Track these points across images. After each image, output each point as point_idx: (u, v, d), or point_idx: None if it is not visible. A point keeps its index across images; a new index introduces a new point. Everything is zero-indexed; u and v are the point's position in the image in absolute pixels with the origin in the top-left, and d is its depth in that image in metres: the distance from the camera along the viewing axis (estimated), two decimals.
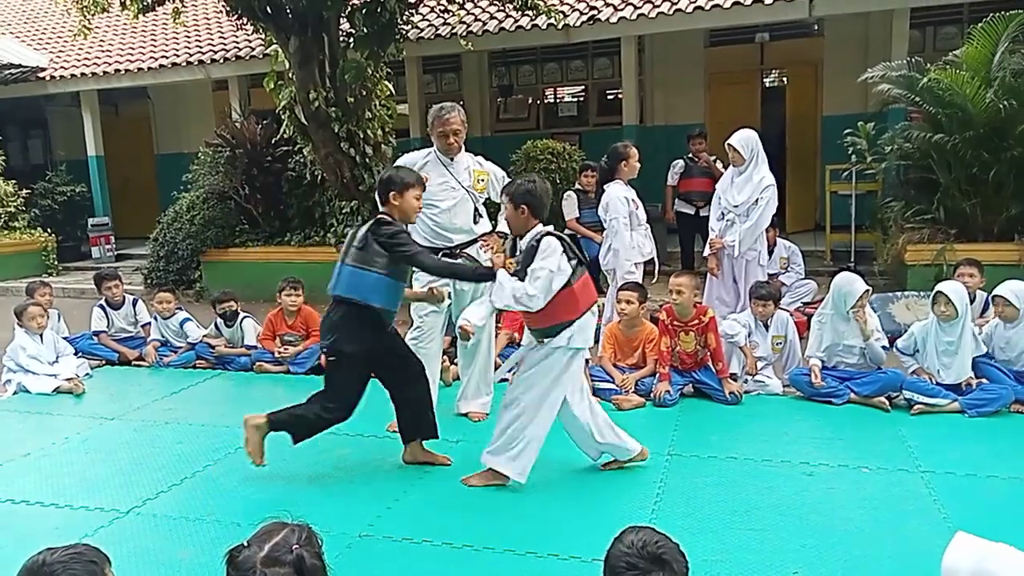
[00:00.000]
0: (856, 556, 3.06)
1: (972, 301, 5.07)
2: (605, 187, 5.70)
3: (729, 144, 5.75)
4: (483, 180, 4.62)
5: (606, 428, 3.84)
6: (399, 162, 4.60)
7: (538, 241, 3.61)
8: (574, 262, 3.61)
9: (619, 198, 5.56)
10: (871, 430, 4.41)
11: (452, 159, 4.52)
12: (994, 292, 4.77)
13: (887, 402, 4.70)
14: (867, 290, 4.84)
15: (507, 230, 4.69)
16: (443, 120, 4.44)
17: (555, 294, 3.53)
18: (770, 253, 6.80)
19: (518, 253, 3.77)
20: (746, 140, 5.70)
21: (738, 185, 5.73)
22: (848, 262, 7.90)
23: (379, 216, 3.85)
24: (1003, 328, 4.76)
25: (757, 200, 5.66)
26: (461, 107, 4.61)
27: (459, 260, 4.45)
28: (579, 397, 3.81)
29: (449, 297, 4.61)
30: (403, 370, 4.04)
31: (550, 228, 3.74)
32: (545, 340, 3.67)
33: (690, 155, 8.19)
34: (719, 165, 8.09)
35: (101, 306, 6.72)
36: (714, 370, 4.99)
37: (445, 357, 5.00)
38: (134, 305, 6.81)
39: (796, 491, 3.65)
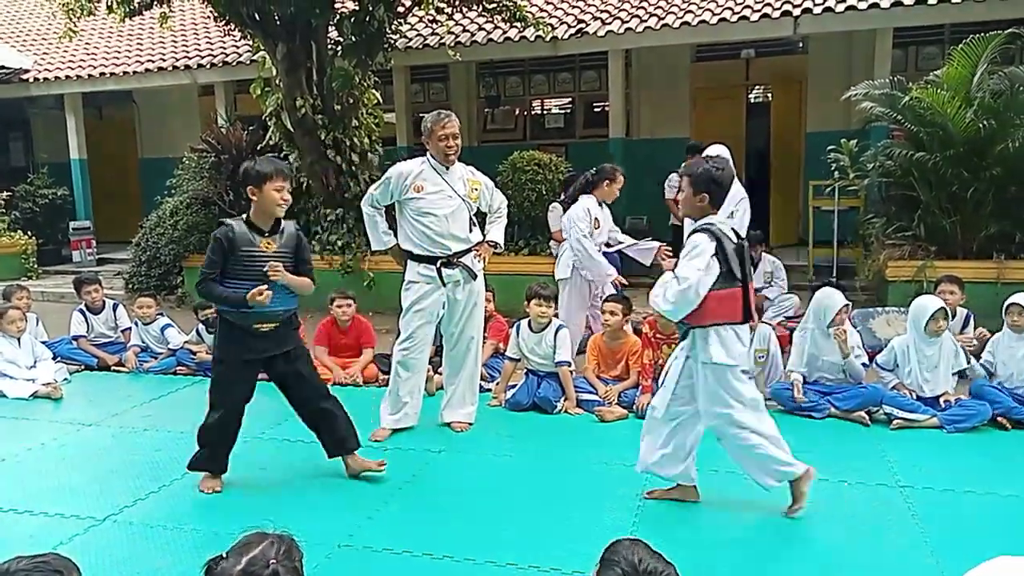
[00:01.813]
0: (835, 569, 3.08)
1: (953, 317, 5.13)
2: (580, 198, 5.79)
3: (704, 157, 5.79)
4: (476, 189, 4.61)
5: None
6: (392, 172, 4.56)
7: (693, 233, 3.29)
8: (724, 269, 3.25)
9: (584, 208, 5.70)
10: (851, 444, 4.44)
11: (448, 168, 4.50)
12: (1009, 300, 4.82)
13: (867, 417, 4.74)
14: (846, 305, 4.88)
15: (498, 239, 4.72)
16: (442, 124, 4.40)
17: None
18: (754, 267, 6.84)
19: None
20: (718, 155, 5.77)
21: None
22: (830, 277, 7.96)
23: (221, 220, 3.86)
24: (1009, 339, 4.80)
25: (732, 213, 5.71)
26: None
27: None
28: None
29: (443, 307, 4.61)
30: (299, 389, 3.95)
31: (713, 220, 3.36)
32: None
33: None
34: None
35: (81, 310, 6.65)
36: None
37: (429, 367, 4.98)
38: (114, 310, 6.75)
39: (776, 505, 3.65)
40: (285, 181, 3.70)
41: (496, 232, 4.73)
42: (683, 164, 6.61)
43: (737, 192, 5.72)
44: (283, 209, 3.73)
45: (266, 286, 3.63)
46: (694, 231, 3.36)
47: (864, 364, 4.93)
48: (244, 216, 3.77)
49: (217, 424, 3.87)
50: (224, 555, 1.73)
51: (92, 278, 6.85)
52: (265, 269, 3.66)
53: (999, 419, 4.59)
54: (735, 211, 5.67)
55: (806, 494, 3.49)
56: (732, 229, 3.40)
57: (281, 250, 3.77)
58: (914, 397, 4.72)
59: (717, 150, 5.79)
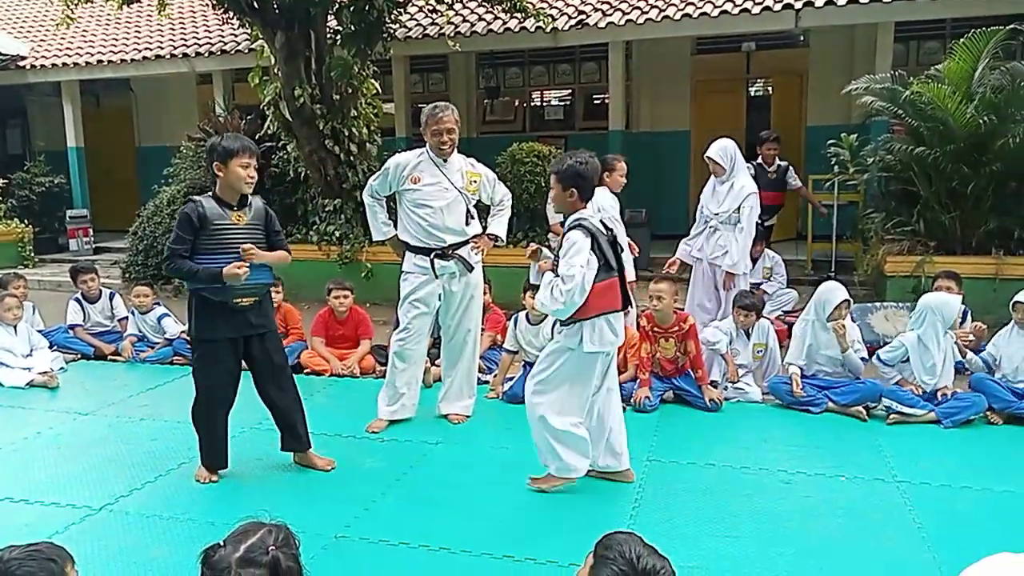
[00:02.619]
0: (831, 564, 3.08)
1: None
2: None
3: (708, 156, 5.75)
4: (475, 182, 4.58)
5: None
6: (390, 162, 4.55)
7: (568, 230, 3.38)
8: (601, 262, 3.37)
9: (611, 201, 5.59)
10: (848, 439, 4.44)
11: (445, 160, 4.48)
12: (1015, 298, 4.81)
13: (864, 411, 4.74)
14: (846, 300, 4.88)
15: (499, 232, 4.69)
16: (437, 119, 4.38)
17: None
18: (754, 262, 6.84)
19: (561, 237, 3.56)
20: (724, 150, 5.71)
21: (719, 195, 5.76)
22: (829, 272, 7.96)
23: (188, 197, 3.84)
24: (1015, 335, 4.78)
25: (739, 208, 5.68)
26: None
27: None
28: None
29: (440, 299, 4.60)
30: (269, 378, 3.93)
31: (586, 215, 3.49)
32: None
33: (758, 161, 7.47)
34: (792, 174, 7.81)
35: (77, 299, 6.63)
36: (694, 377, 5.00)
37: (427, 359, 4.97)
38: (111, 299, 6.73)
39: (773, 499, 3.67)
40: (252, 158, 3.72)
41: (497, 226, 4.70)
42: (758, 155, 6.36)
43: (745, 187, 5.69)
44: (250, 186, 3.75)
45: (243, 262, 3.64)
46: (568, 228, 3.45)
47: (863, 359, 4.93)
48: (210, 192, 3.78)
49: (204, 408, 3.86)
50: (221, 543, 1.73)
51: (88, 267, 6.83)
52: (239, 251, 3.67)
53: (990, 414, 4.60)
54: (742, 207, 5.65)
55: (546, 491, 3.68)
56: (601, 221, 3.54)
57: (252, 222, 3.80)
58: (920, 393, 4.69)
59: (722, 144, 5.76)
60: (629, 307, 3.61)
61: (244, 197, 3.79)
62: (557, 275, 3.39)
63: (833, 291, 4.90)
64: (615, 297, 3.50)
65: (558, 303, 3.35)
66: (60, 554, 1.75)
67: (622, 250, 3.73)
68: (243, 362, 3.92)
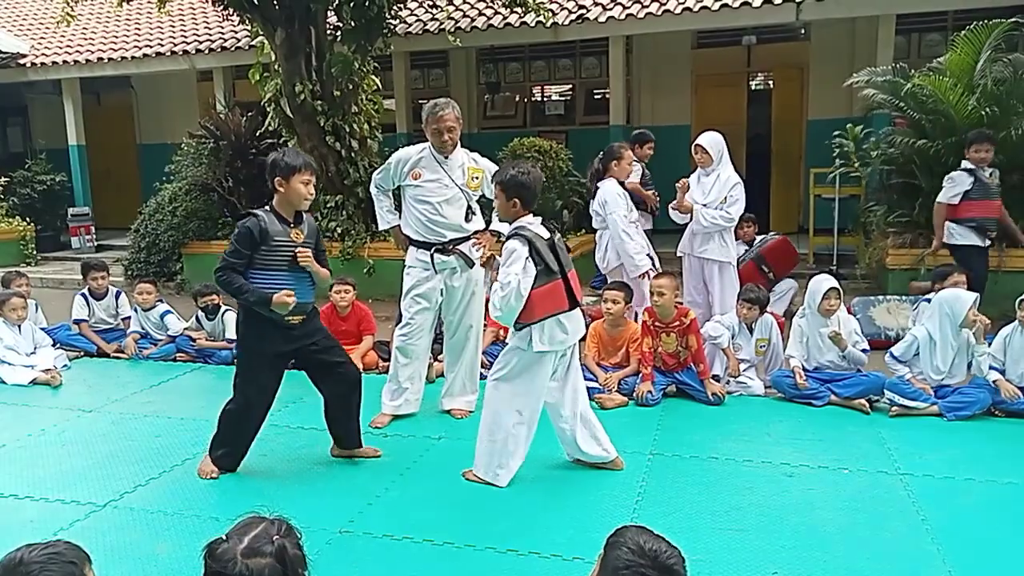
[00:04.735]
0: (835, 557, 3.08)
1: None
2: (599, 185, 5.71)
3: (698, 145, 5.74)
4: (477, 177, 4.57)
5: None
6: (393, 157, 4.57)
7: (507, 239, 3.56)
8: (540, 267, 3.52)
9: (616, 193, 5.58)
10: (851, 432, 4.44)
11: (447, 156, 4.48)
12: (1022, 298, 4.73)
13: (867, 404, 4.74)
14: (833, 288, 4.87)
15: (501, 228, 4.69)
16: (437, 117, 4.38)
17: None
18: (750, 247, 6.84)
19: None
20: (714, 141, 5.72)
21: (704, 185, 5.75)
22: (830, 265, 7.95)
23: (243, 212, 3.77)
24: (1019, 336, 4.70)
25: (726, 198, 5.68)
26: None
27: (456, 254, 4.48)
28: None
29: (442, 294, 4.60)
30: (327, 374, 3.90)
31: (525, 222, 3.63)
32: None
33: (969, 166, 6.06)
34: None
35: (83, 295, 6.64)
36: (696, 371, 5.00)
37: (430, 354, 4.98)
38: (116, 297, 6.74)
39: (776, 492, 3.67)
40: (312, 175, 3.74)
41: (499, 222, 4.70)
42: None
43: (731, 177, 5.70)
44: (308, 203, 3.77)
45: (291, 290, 3.64)
46: (507, 236, 3.61)
47: (864, 350, 4.92)
48: (267, 207, 3.74)
49: (237, 411, 3.84)
50: (224, 537, 1.73)
51: (101, 264, 6.83)
52: (292, 255, 3.67)
53: (994, 411, 4.59)
54: (729, 196, 5.65)
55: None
56: (543, 226, 3.65)
57: (307, 240, 3.80)
58: (930, 392, 4.65)
59: (713, 135, 5.76)
60: (578, 306, 3.69)
61: (299, 213, 3.78)
62: (499, 282, 3.56)
63: (820, 281, 4.94)
64: (560, 298, 3.60)
65: (497, 310, 3.54)
66: (79, 555, 1.74)
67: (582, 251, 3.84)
68: (303, 370, 3.94)
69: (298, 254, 3.69)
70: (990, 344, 4.76)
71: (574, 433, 3.83)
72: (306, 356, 3.86)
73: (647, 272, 5.55)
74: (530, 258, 3.50)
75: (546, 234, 3.63)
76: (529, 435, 3.77)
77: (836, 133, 7.82)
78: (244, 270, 3.65)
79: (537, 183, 3.67)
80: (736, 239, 6.05)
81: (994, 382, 4.59)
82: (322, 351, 3.87)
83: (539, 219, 3.70)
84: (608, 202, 5.57)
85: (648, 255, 5.69)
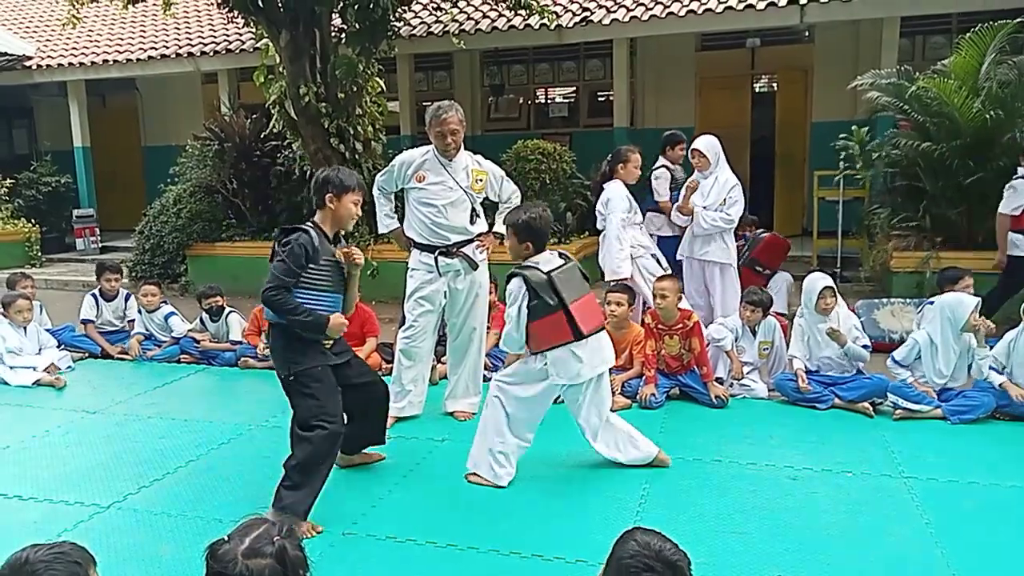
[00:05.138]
0: (838, 560, 3.08)
1: None
2: (605, 186, 5.74)
3: (695, 149, 5.76)
4: (481, 180, 4.58)
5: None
6: (397, 160, 4.57)
7: (508, 279, 3.71)
8: (535, 302, 3.60)
9: (620, 195, 5.58)
10: (855, 435, 4.43)
11: (450, 159, 4.48)
12: None
13: (871, 408, 4.73)
14: (828, 286, 4.86)
15: (503, 231, 4.70)
16: (440, 120, 4.39)
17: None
18: (747, 243, 6.82)
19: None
20: (711, 145, 5.74)
21: (703, 188, 5.76)
22: (834, 268, 7.94)
23: (284, 227, 3.56)
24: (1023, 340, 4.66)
25: (725, 200, 5.69)
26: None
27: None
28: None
29: (445, 297, 4.60)
30: (359, 392, 3.77)
31: (531, 262, 3.71)
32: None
33: None
34: None
35: (94, 295, 6.66)
36: (699, 374, 5.00)
37: (433, 356, 4.98)
38: (126, 300, 6.75)
39: (780, 495, 3.66)
40: (363, 196, 3.67)
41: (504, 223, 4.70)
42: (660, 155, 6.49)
43: (729, 179, 5.72)
44: (353, 223, 3.69)
45: (339, 313, 3.59)
46: (508, 276, 3.75)
47: (865, 346, 4.90)
48: (311, 223, 3.59)
49: (327, 446, 3.46)
50: (226, 538, 1.74)
51: (116, 266, 6.84)
52: (337, 275, 3.59)
53: (998, 414, 4.58)
54: (728, 198, 5.66)
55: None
56: (555, 254, 3.77)
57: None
58: (932, 395, 4.63)
59: (710, 139, 5.79)
60: (584, 336, 3.69)
61: (337, 233, 3.67)
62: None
63: (814, 280, 4.92)
64: (562, 330, 3.64)
65: (504, 344, 3.83)
66: (84, 556, 1.75)
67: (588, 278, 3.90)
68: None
69: (352, 255, 3.58)
70: (991, 348, 4.74)
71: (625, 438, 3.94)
72: (342, 376, 3.68)
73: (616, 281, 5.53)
74: (526, 295, 3.62)
75: (550, 267, 3.66)
76: (529, 436, 3.79)
77: (840, 136, 7.81)
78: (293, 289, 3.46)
79: (547, 225, 3.79)
80: (736, 240, 6.07)
81: (1001, 385, 4.57)
82: (356, 374, 3.76)
83: (547, 253, 3.77)
84: (611, 201, 5.59)
85: (654, 255, 5.71)
